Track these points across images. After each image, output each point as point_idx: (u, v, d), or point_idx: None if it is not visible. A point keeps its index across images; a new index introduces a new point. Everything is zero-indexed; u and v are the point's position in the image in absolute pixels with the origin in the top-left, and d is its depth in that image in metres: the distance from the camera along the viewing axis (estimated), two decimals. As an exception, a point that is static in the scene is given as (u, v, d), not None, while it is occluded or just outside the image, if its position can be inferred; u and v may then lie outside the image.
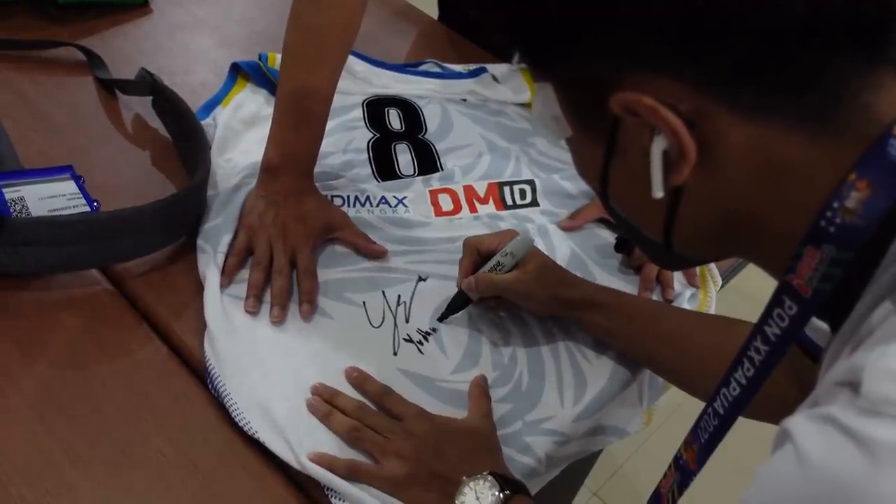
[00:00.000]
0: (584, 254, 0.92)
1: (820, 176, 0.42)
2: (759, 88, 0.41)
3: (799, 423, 0.36)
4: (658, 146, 0.44)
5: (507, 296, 0.80)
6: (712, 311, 0.90)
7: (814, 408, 0.37)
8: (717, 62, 0.41)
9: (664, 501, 0.59)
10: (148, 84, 0.96)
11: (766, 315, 0.47)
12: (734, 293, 1.32)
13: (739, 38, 0.40)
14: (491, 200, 0.96)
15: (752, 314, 0.52)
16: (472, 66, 1.16)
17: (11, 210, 0.78)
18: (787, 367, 0.67)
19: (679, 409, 1.77)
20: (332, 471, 0.67)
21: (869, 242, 0.41)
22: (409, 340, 0.80)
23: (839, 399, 0.36)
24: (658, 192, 0.45)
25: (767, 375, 0.49)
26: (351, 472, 0.67)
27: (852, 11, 0.39)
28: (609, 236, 0.94)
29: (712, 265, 0.95)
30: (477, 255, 0.82)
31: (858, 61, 0.40)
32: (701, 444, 0.54)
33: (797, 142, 0.42)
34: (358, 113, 1.04)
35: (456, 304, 0.82)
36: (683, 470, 0.57)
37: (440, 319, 0.82)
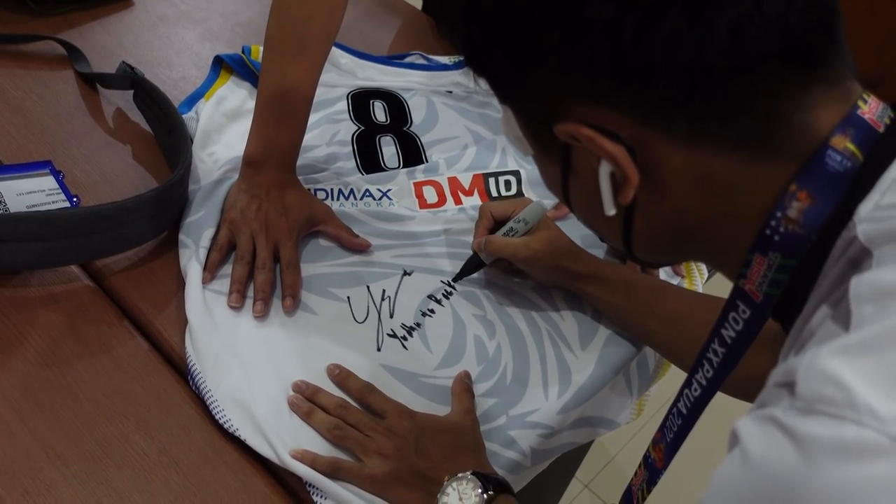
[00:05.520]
0: (570, 244, 0.91)
1: (761, 190, 0.44)
2: (690, 118, 0.43)
3: (745, 425, 0.37)
4: (605, 169, 0.47)
5: (515, 260, 0.82)
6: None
7: (760, 409, 0.38)
8: (647, 95, 0.43)
9: (635, 498, 0.60)
10: (129, 78, 0.95)
11: (723, 319, 0.50)
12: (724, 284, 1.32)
13: (666, 74, 0.42)
14: (476, 192, 0.96)
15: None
16: (458, 58, 1.14)
17: (-11, 206, 0.77)
18: (769, 348, 0.67)
19: (671, 401, 1.78)
20: (313, 468, 0.66)
21: (812, 249, 0.43)
22: (394, 336, 0.79)
23: (781, 400, 0.37)
24: (610, 210, 0.48)
25: (726, 376, 0.51)
26: (333, 470, 0.67)
27: (780, 40, 0.41)
28: (595, 227, 0.94)
29: None
30: (491, 219, 0.85)
31: (789, 84, 0.42)
32: (667, 443, 0.55)
33: (735, 161, 0.44)
34: (343, 105, 1.04)
35: (469, 267, 0.84)
36: (652, 468, 0.58)
37: (454, 280, 0.85)
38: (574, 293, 0.85)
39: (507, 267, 0.85)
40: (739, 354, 0.50)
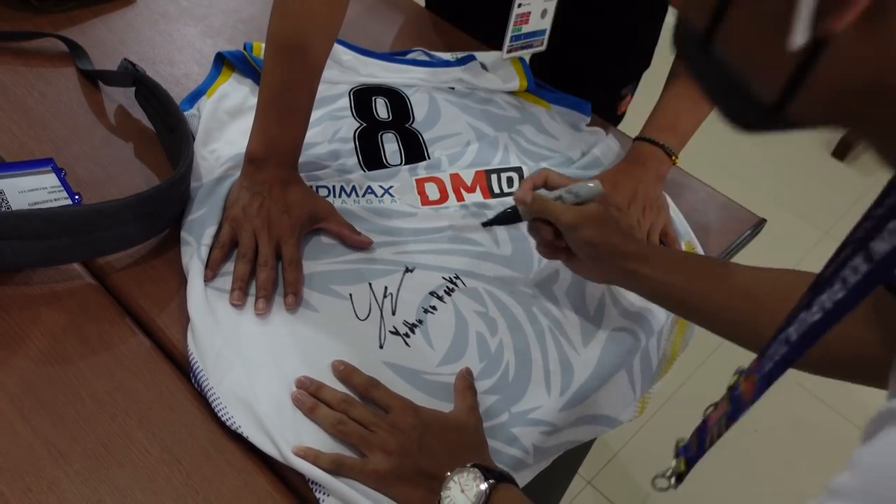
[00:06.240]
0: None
1: None
2: None
3: None
4: None
5: (558, 222, 0.77)
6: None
7: None
8: None
9: (709, 433, 0.54)
10: (131, 75, 0.95)
11: (874, 226, 0.39)
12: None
13: None
14: (478, 188, 0.96)
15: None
16: (461, 54, 1.14)
17: (-9, 204, 0.77)
18: (866, 317, 0.60)
19: (674, 398, 1.77)
20: (316, 465, 0.66)
21: None
22: (396, 333, 0.79)
23: None
24: (799, 39, 0.34)
25: (861, 299, 0.41)
26: (335, 467, 0.67)
27: None
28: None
29: (697, 243, 0.94)
30: (544, 182, 0.81)
31: None
32: (763, 374, 0.49)
33: None
34: (345, 102, 1.03)
35: (504, 216, 0.83)
36: (737, 402, 0.52)
37: (484, 225, 0.85)
38: (617, 281, 0.79)
39: (543, 228, 0.79)
40: (890, 271, 0.39)
